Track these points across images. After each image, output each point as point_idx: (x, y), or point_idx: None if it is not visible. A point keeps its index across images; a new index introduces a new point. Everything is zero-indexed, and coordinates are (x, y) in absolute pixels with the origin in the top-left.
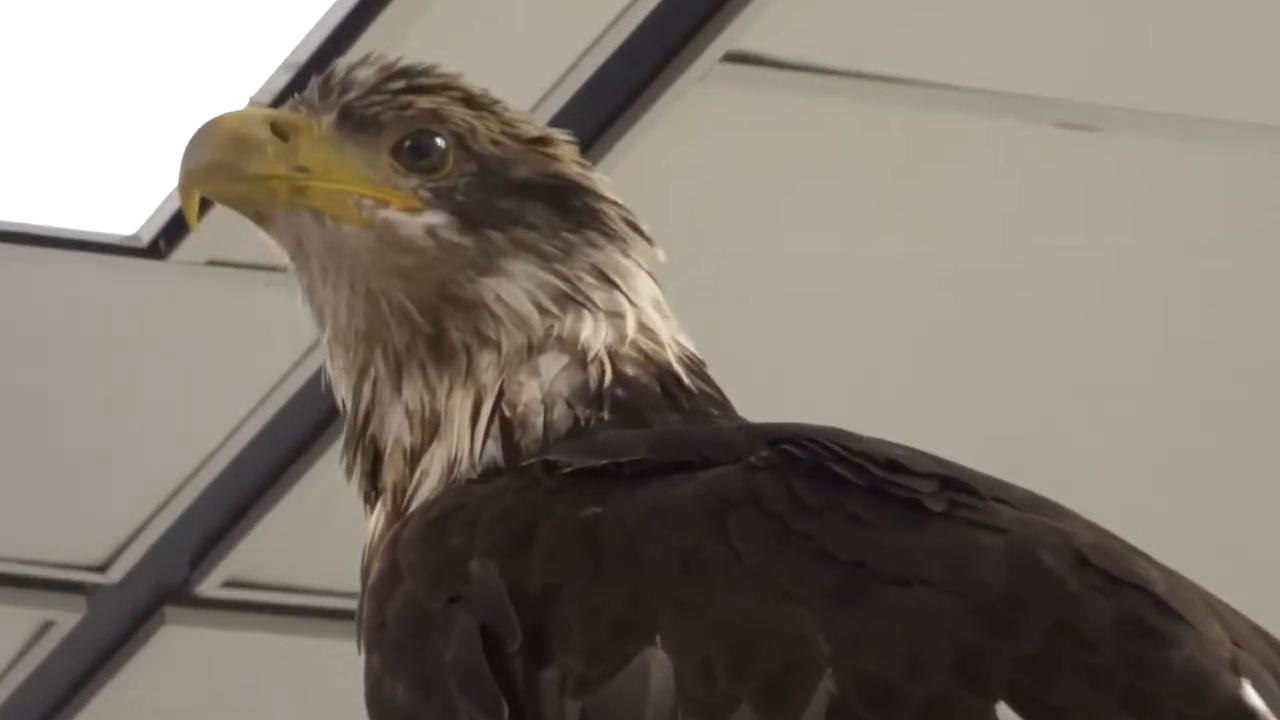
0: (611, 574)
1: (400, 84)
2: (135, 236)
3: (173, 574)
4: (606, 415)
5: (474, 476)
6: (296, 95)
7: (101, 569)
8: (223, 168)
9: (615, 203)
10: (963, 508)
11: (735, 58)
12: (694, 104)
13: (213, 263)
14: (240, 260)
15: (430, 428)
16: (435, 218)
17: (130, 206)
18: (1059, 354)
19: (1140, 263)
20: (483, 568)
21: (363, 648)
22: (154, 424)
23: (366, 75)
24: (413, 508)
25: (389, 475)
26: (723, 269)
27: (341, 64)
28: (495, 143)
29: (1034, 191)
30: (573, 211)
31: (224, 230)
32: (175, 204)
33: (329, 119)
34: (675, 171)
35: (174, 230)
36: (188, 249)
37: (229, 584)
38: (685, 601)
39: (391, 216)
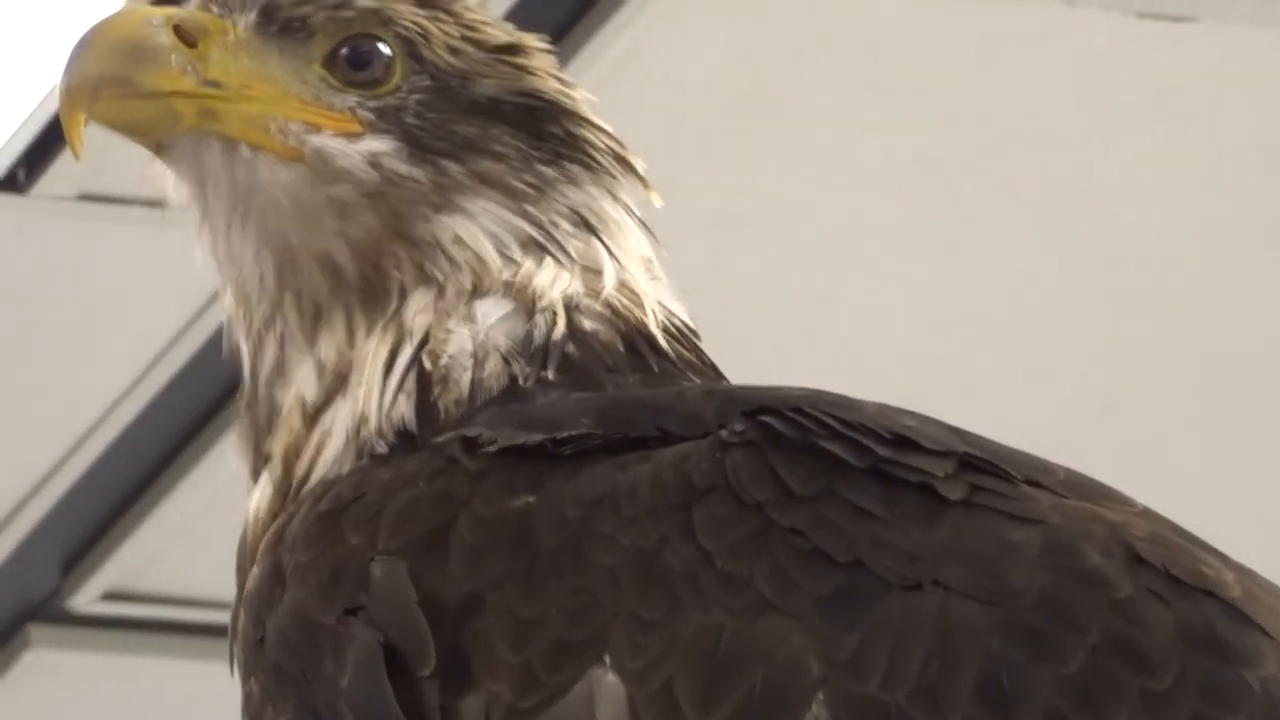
0: (549, 579)
1: None
2: None
3: (39, 584)
4: (551, 374)
5: (382, 442)
6: None
7: None
8: (114, 81)
9: (602, 129)
10: (987, 494)
11: None
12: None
13: (85, 197)
14: (120, 194)
15: (338, 380)
16: (379, 143)
17: None
18: (1119, 273)
19: (1229, 169)
20: (388, 571)
21: (237, 669)
22: (14, 398)
23: None
24: (313, 476)
25: (280, 438)
26: (727, 196)
27: None
28: (454, 50)
29: (1107, 86)
30: (549, 138)
31: (99, 158)
32: (36, 127)
33: (247, 20)
34: (665, 75)
35: (36, 158)
36: (53, 180)
37: (108, 596)
38: (642, 613)
39: (325, 144)
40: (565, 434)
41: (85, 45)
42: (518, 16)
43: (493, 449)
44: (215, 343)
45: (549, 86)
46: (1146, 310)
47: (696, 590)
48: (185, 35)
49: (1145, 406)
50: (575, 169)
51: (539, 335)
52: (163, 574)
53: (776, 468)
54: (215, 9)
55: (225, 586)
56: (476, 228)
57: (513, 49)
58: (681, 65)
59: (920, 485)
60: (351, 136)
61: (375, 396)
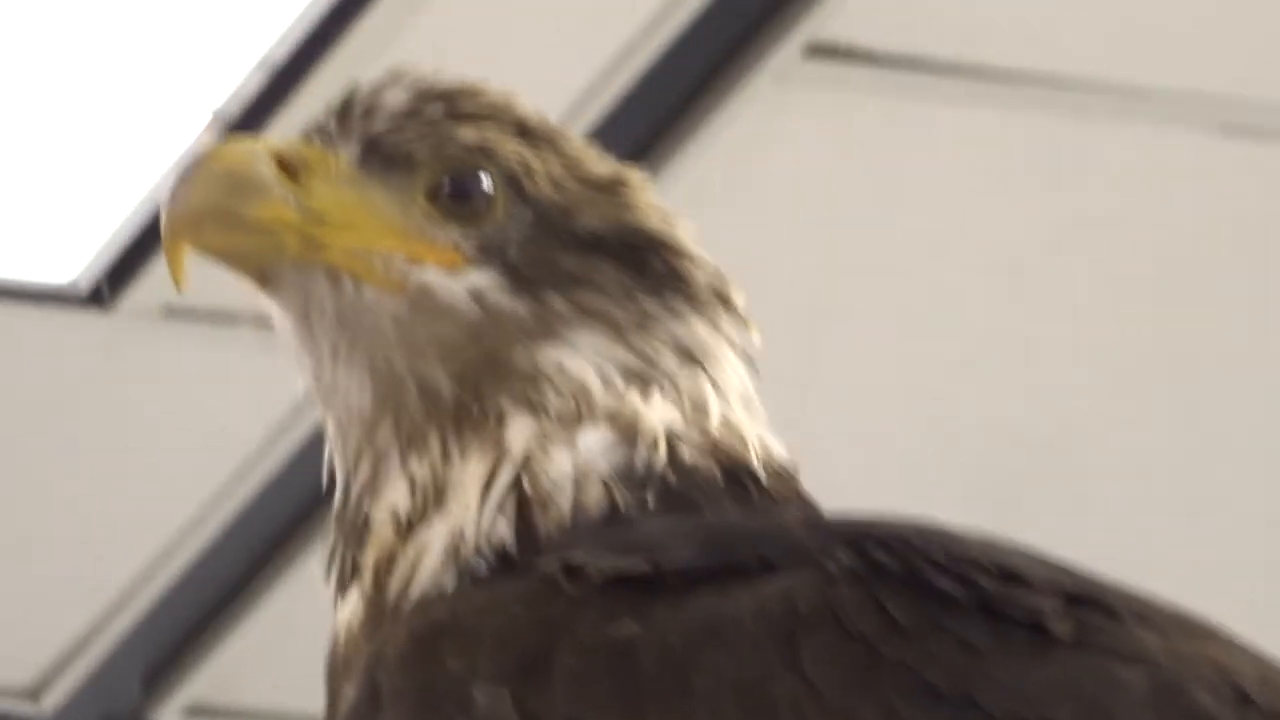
0: (653, 708)
1: (438, 110)
2: (74, 284)
3: (120, 700)
4: (651, 502)
5: (482, 562)
6: (312, 126)
7: (33, 695)
8: (218, 214)
9: (703, 264)
10: (1096, 632)
11: (819, 50)
12: (768, 108)
13: (169, 311)
14: (203, 307)
15: (433, 497)
16: (482, 278)
17: (68, 249)
18: (1211, 385)
19: None
20: (491, 698)
21: None
22: (98, 511)
23: (396, 99)
24: (411, 591)
25: (371, 551)
26: (799, 304)
27: (364, 84)
28: (556, 185)
29: (1191, 208)
30: (651, 273)
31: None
32: (120, 244)
33: (350, 153)
34: (743, 193)
35: (120, 274)
36: (137, 295)
37: (191, 711)
38: None
39: (428, 278)
40: (667, 563)
41: (188, 176)
42: (607, 128)
43: (595, 575)
44: (299, 457)
45: (651, 221)
46: (1235, 426)
47: None
48: (288, 168)
49: (1238, 518)
50: (677, 302)
51: (640, 463)
52: (244, 689)
53: (883, 601)
54: (318, 142)
55: (306, 701)
56: (580, 358)
57: (615, 183)
58: (770, 170)
59: (1029, 622)
60: (454, 270)
61: (473, 516)
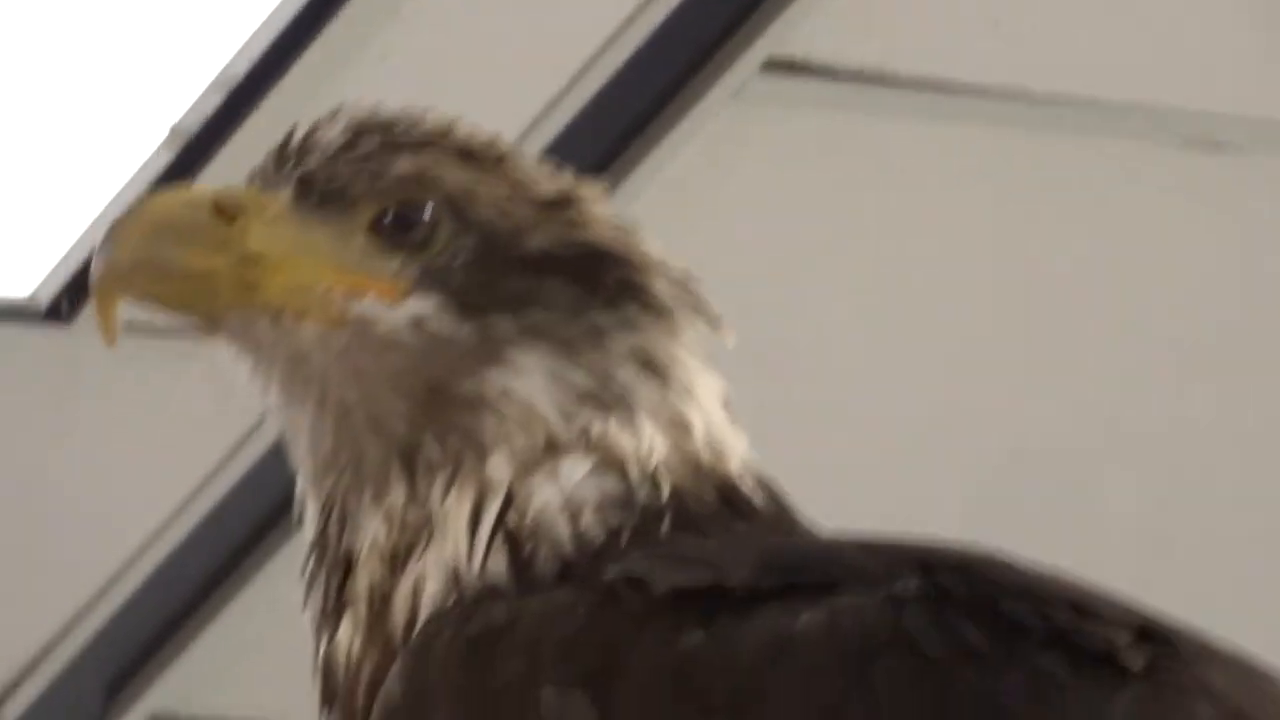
0: None
1: (374, 142)
2: (32, 298)
3: (83, 711)
4: (656, 530)
5: (482, 589)
6: (254, 170)
7: None
8: (148, 265)
9: (667, 272)
10: (1167, 667)
11: (777, 65)
12: (727, 124)
13: (131, 327)
14: (163, 325)
15: (415, 530)
16: (422, 304)
17: (24, 264)
18: (1177, 402)
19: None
20: (564, 700)
21: None
22: (59, 523)
23: (331, 135)
24: (419, 614)
25: (360, 581)
26: (762, 328)
27: (302, 124)
28: (501, 208)
29: (1157, 221)
30: (604, 288)
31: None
32: (79, 258)
33: (285, 194)
34: (702, 209)
35: (79, 288)
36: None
37: None
38: None
39: (366, 309)
40: (733, 578)
41: (117, 229)
42: (565, 144)
43: (658, 587)
44: (261, 469)
45: (602, 235)
46: (1239, 434)
47: None
48: (224, 212)
49: (1250, 534)
50: (633, 313)
51: (630, 492)
52: (208, 699)
53: (958, 627)
54: (258, 184)
55: (269, 711)
56: (527, 380)
57: (563, 201)
58: (729, 186)
59: (1102, 654)
60: (395, 301)
61: (464, 553)
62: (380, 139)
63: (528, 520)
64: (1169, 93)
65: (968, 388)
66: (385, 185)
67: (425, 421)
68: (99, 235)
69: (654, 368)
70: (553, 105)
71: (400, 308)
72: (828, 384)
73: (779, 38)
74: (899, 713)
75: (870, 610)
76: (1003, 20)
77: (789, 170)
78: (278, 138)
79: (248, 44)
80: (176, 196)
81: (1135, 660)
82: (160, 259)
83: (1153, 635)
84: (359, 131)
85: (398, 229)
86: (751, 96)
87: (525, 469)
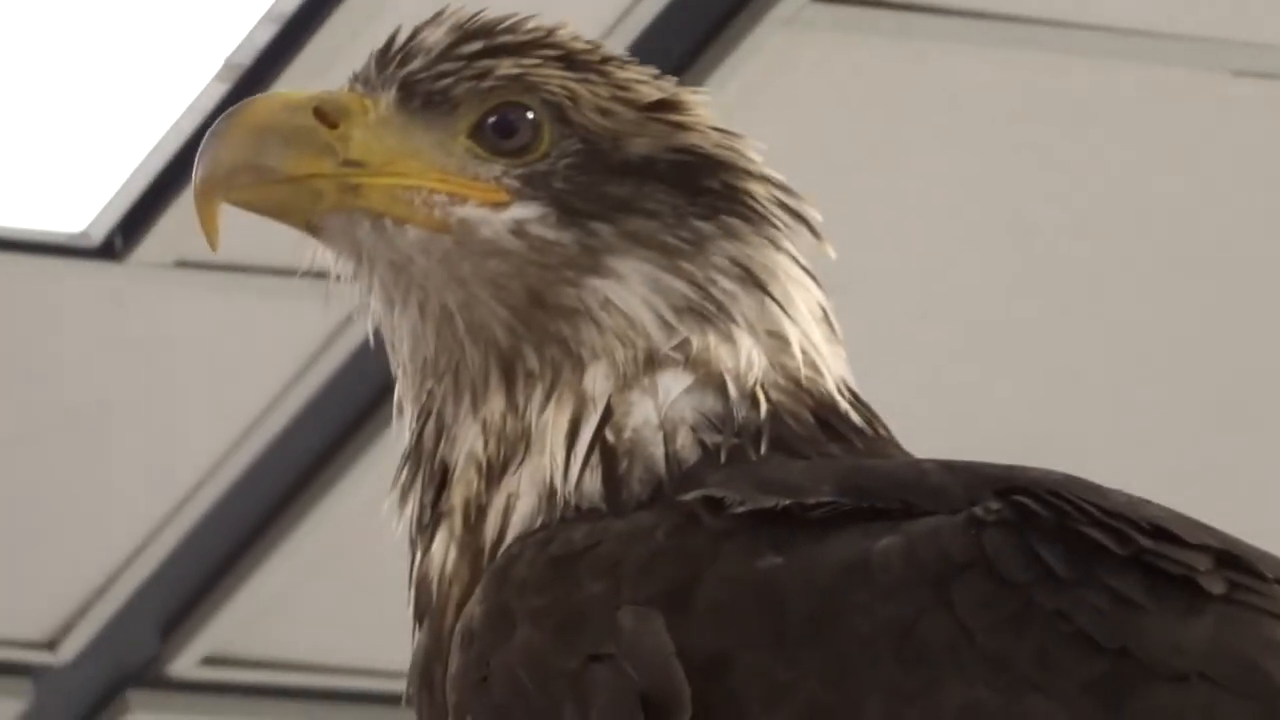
0: (803, 643)
1: (476, 45)
2: (85, 234)
3: (138, 650)
4: (751, 451)
5: (573, 510)
6: (357, 73)
7: (50, 646)
8: (251, 169)
9: (769, 179)
10: (1247, 591)
11: None
12: (777, 52)
13: (182, 264)
14: (216, 260)
15: (513, 443)
16: (525, 210)
17: (78, 200)
18: (1222, 329)
19: None
20: (640, 621)
21: (449, 710)
22: (112, 464)
23: (434, 39)
24: (507, 534)
25: (457, 493)
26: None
27: (403, 27)
28: (604, 112)
29: (1201, 148)
30: (706, 193)
31: (193, 225)
32: (131, 195)
33: (388, 97)
34: (753, 136)
35: (132, 225)
36: (150, 248)
37: (208, 661)
38: (902, 684)
39: (469, 214)
40: (811, 500)
41: (219, 134)
42: None
43: (739, 509)
44: (313, 406)
45: (705, 140)
46: (1250, 372)
47: (958, 665)
48: (326, 117)
49: (1249, 469)
50: (734, 222)
51: (728, 410)
52: (262, 639)
53: (1038, 549)
54: (358, 88)
55: (324, 650)
56: (626, 290)
57: (668, 104)
58: (777, 128)
59: (1182, 578)
60: (498, 205)
61: (560, 467)
62: (483, 42)
63: (625, 436)
64: (1214, 22)
65: (1006, 310)
66: (488, 88)
67: (525, 330)
68: (152, 171)
69: (754, 278)
70: (606, 36)
71: (503, 213)
72: (874, 307)
73: None
74: (977, 633)
75: (949, 533)
76: None
77: (839, 97)
78: (333, 68)
79: None
80: (278, 99)
81: (1215, 584)
82: (262, 163)
83: (1233, 560)
84: (462, 35)
85: (500, 133)
86: (802, 23)
87: (624, 383)
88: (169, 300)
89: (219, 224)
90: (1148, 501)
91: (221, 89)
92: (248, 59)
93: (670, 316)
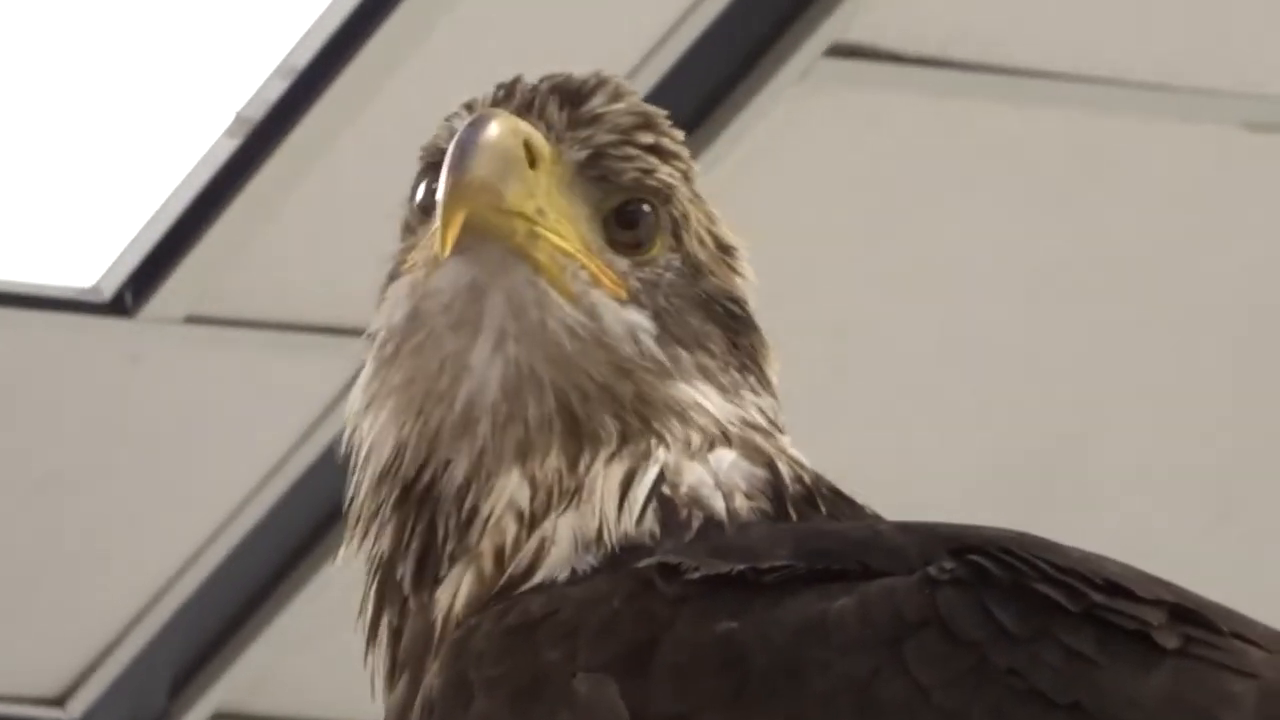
0: (760, 704)
1: (650, 139)
2: (95, 289)
3: (147, 707)
4: (773, 514)
5: (602, 556)
6: (534, 112)
7: (59, 702)
8: (490, 191)
9: (760, 332)
10: (1200, 644)
11: (842, 51)
12: (792, 107)
13: (192, 319)
14: (226, 315)
15: (559, 496)
16: (640, 317)
17: (88, 255)
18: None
19: None
20: (595, 688)
21: None
22: (123, 519)
23: (619, 115)
24: (536, 574)
25: (488, 538)
26: (826, 306)
27: (589, 85)
28: (701, 241)
29: (1215, 203)
30: (740, 349)
31: (202, 278)
32: (142, 250)
33: (575, 156)
34: (768, 191)
35: (142, 281)
36: (161, 303)
37: (218, 717)
38: None
39: (600, 301)
40: (767, 564)
41: (477, 147)
42: None
43: (694, 575)
44: (324, 461)
45: (749, 298)
46: (1268, 420)
47: None
48: (530, 154)
49: (1266, 514)
50: (755, 380)
51: (775, 480)
52: (272, 696)
53: (991, 607)
54: (551, 136)
55: (333, 706)
56: (702, 406)
57: (732, 249)
58: (801, 173)
59: (1136, 632)
60: (621, 301)
61: (613, 513)
62: (654, 137)
63: (682, 491)
64: (1229, 76)
65: (1021, 364)
66: (645, 184)
67: (607, 406)
68: (162, 226)
69: (775, 425)
70: None
71: (625, 311)
72: (890, 360)
73: (843, 22)
74: (932, 691)
75: (904, 592)
76: (1066, 5)
77: (852, 151)
78: (347, 123)
79: (310, 31)
80: (511, 122)
81: (1169, 639)
82: (499, 189)
83: (1187, 614)
84: (642, 121)
85: (623, 223)
86: (817, 79)
87: (688, 454)
88: (180, 356)
89: (457, 235)
90: (1104, 558)
91: (232, 144)
92: (259, 113)
93: (730, 430)
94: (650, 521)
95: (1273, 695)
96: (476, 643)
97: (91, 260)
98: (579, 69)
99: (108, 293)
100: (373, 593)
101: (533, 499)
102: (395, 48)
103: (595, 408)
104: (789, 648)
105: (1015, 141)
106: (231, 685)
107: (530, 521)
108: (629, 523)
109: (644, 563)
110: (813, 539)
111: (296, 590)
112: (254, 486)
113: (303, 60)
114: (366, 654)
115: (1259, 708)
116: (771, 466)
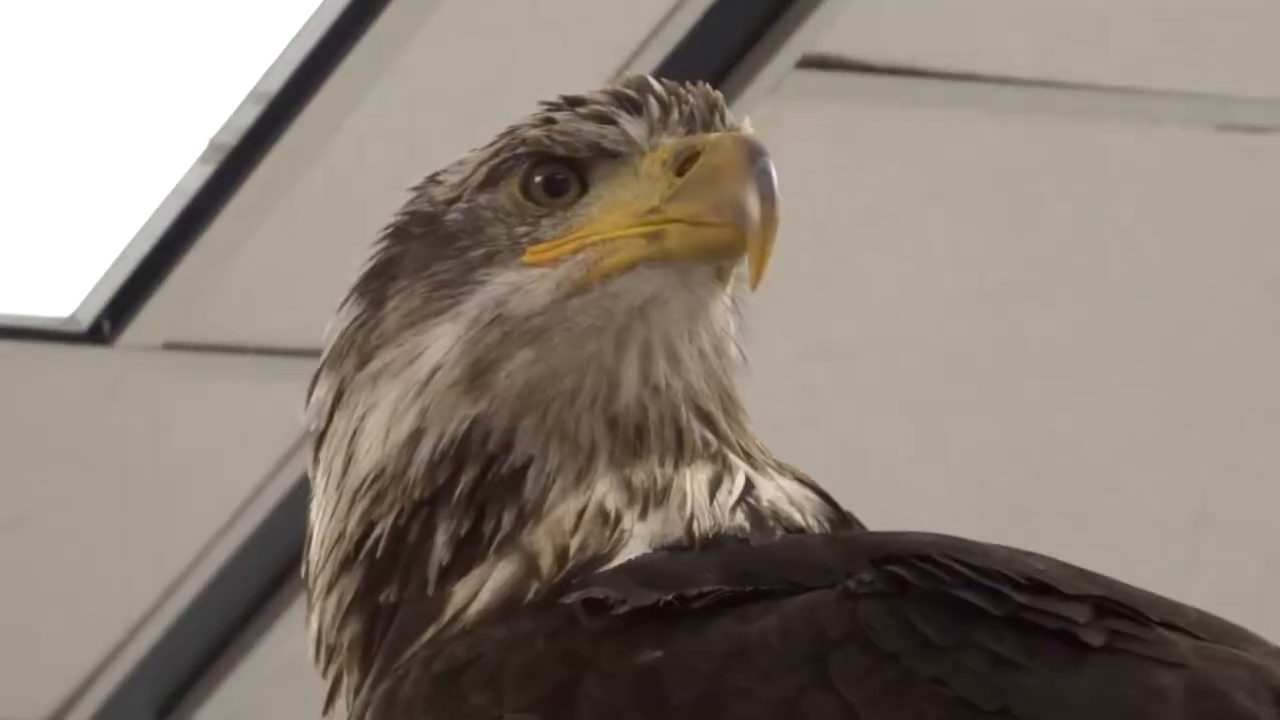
0: None
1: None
2: (72, 319)
3: None
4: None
5: (708, 537)
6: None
7: None
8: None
9: None
10: (1127, 639)
11: (813, 62)
12: (764, 119)
13: (171, 346)
14: (205, 341)
15: (649, 498)
16: (733, 321)
17: (64, 284)
18: (1213, 381)
19: None
20: None
21: None
22: (106, 545)
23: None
24: (593, 568)
25: (551, 536)
26: (799, 318)
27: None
28: None
29: (1189, 205)
30: None
31: (181, 306)
32: (118, 278)
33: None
34: None
35: (120, 309)
36: (138, 331)
37: None
38: None
39: (729, 316)
40: (693, 591)
41: (769, 175)
42: None
43: (618, 610)
44: (301, 491)
45: None
46: (1244, 424)
47: None
48: None
49: (1243, 521)
50: None
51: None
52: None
53: (912, 617)
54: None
55: None
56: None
57: None
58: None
59: (1060, 632)
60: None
61: (705, 510)
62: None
63: (764, 503)
64: (1203, 78)
65: (1000, 376)
66: None
67: (712, 423)
68: (138, 254)
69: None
70: None
71: (731, 320)
72: (863, 372)
73: (812, 35)
74: (859, 707)
75: (824, 608)
76: (1039, 9)
77: (824, 163)
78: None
79: (282, 56)
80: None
81: (1094, 636)
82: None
83: (1113, 607)
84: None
85: None
86: (788, 92)
87: (756, 468)
88: (158, 383)
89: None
90: (1030, 554)
91: (206, 170)
92: (233, 139)
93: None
94: (740, 519)
95: (1201, 685)
96: (405, 691)
97: (68, 289)
98: (549, 91)
99: (85, 322)
100: (348, 600)
101: (625, 502)
102: (368, 72)
103: (703, 420)
104: (713, 675)
105: (988, 149)
106: (218, 710)
107: (615, 521)
108: (721, 516)
109: (570, 598)
110: (740, 559)
111: (279, 618)
112: (235, 512)
113: (275, 85)
114: (317, 659)
115: (1188, 699)
116: (805, 481)
